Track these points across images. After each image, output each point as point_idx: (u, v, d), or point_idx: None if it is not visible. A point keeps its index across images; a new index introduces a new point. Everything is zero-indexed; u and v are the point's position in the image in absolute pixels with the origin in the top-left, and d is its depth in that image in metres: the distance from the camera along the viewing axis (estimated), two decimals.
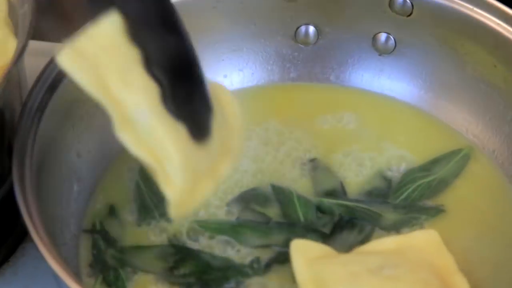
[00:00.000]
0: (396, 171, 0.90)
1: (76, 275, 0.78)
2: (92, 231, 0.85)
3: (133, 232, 0.85)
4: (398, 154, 0.91)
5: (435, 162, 0.90)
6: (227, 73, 1.00)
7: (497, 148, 0.91)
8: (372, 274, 0.75)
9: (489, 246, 0.83)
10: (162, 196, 0.85)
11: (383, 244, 0.81)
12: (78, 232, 0.84)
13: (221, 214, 0.86)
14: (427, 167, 0.90)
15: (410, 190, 0.87)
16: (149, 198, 0.87)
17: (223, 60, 0.99)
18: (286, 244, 0.80)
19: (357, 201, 0.86)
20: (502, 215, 0.86)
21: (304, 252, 0.78)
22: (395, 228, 0.84)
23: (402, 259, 0.78)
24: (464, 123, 0.94)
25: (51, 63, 0.84)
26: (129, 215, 0.86)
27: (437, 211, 0.86)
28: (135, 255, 0.82)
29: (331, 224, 0.84)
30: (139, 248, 0.82)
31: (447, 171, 0.89)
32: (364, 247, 0.81)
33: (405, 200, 0.87)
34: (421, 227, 0.84)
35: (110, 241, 0.83)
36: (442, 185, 0.88)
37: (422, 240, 0.81)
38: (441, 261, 0.79)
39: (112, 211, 0.86)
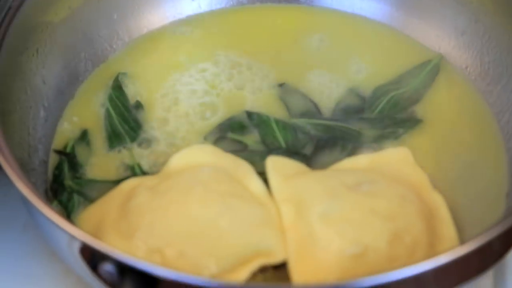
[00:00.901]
0: (368, 87, 0.89)
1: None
2: (61, 152, 0.84)
3: (100, 160, 0.83)
4: (370, 72, 0.90)
5: (405, 75, 0.89)
6: None
7: (470, 64, 0.91)
8: (350, 189, 0.74)
9: (462, 161, 0.83)
10: (133, 122, 0.85)
11: (357, 162, 0.80)
12: (47, 158, 0.83)
13: None
14: (397, 80, 0.89)
15: (384, 102, 0.86)
16: (119, 125, 0.85)
17: None
18: None
19: (333, 119, 0.85)
20: (476, 130, 0.86)
21: (280, 169, 0.77)
22: (377, 143, 0.83)
23: (378, 175, 0.77)
24: (436, 40, 0.93)
25: None
26: (99, 141, 0.85)
27: (415, 122, 0.85)
28: (90, 187, 0.80)
29: (312, 145, 0.83)
30: (96, 182, 0.81)
31: (418, 82, 0.89)
32: (337, 165, 0.80)
33: (380, 112, 0.86)
34: (401, 140, 0.84)
35: (74, 165, 0.82)
36: (414, 96, 0.88)
37: (395, 158, 0.81)
38: (415, 178, 0.79)
39: (84, 135, 0.85)
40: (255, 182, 0.77)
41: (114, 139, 0.85)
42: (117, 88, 0.89)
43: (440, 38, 0.93)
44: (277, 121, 0.85)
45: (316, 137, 0.84)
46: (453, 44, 0.92)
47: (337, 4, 0.98)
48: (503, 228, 0.65)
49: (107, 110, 0.87)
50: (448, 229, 0.75)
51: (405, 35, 0.95)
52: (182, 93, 0.89)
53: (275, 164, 0.78)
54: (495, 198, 0.79)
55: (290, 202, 0.74)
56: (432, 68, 0.90)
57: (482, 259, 0.67)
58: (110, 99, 0.88)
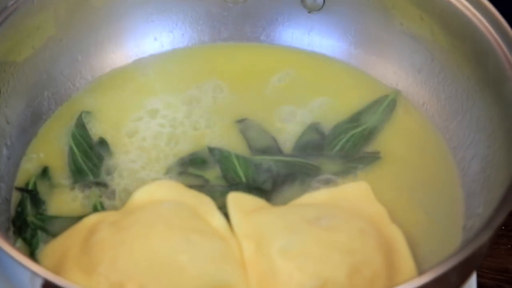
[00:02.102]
0: (327, 124, 0.90)
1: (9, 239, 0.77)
2: (22, 189, 0.84)
3: (62, 196, 0.84)
4: (329, 109, 0.92)
5: (363, 112, 0.91)
6: (157, 35, 0.99)
7: (427, 101, 0.93)
8: (310, 224, 0.75)
9: (420, 195, 0.84)
10: (96, 159, 0.85)
11: (316, 197, 0.82)
12: (10, 196, 0.83)
13: None
14: (356, 118, 0.90)
15: (343, 140, 0.88)
16: (83, 162, 0.86)
17: (152, 21, 0.98)
18: None
19: (293, 156, 0.87)
20: (433, 165, 0.88)
21: (241, 204, 0.78)
22: (336, 178, 0.85)
23: (337, 210, 0.78)
24: (394, 77, 0.95)
25: None
26: (62, 178, 0.85)
27: (373, 159, 0.87)
28: (53, 223, 0.81)
29: (271, 180, 0.84)
30: (59, 218, 0.82)
31: (376, 118, 0.90)
32: (297, 200, 0.81)
33: (340, 151, 0.87)
34: (360, 175, 0.85)
35: (37, 202, 0.83)
36: (373, 133, 0.89)
37: (354, 192, 0.82)
38: (374, 212, 0.80)
39: (45, 172, 0.85)
40: (217, 217, 0.78)
41: (78, 175, 0.85)
42: (80, 126, 0.90)
43: (397, 75, 0.95)
44: (238, 157, 0.86)
45: (276, 173, 0.85)
46: (411, 81, 0.94)
47: (297, 43, 0.99)
48: (459, 259, 0.66)
49: (70, 148, 0.87)
50: (406, 262, 0.76)
51: (364, 72, 0.96)
52: (145, 129, 0.90)
53: (236, 200, 0.79)
54: (452, 231, 0.81)
55: (250, 237, 0.75)
56: (389, 104, 0.92)
57: None
58: (73, 137, 0.88)
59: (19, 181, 0.85)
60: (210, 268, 0.72)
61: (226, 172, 0.85)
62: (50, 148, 0.88)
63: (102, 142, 0.88)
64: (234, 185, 0.84)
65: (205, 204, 0.79)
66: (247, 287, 0.73)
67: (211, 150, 0.87)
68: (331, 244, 0.73)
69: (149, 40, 0.99)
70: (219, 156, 0.87)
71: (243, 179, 0.84)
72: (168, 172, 0.85)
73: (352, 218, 0.77)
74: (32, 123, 0.89)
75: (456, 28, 0.87)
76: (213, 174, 0.85)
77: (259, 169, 0.85)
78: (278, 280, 0.72)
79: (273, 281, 0.72)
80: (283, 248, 0.73)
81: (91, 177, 0.85)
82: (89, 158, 0.86)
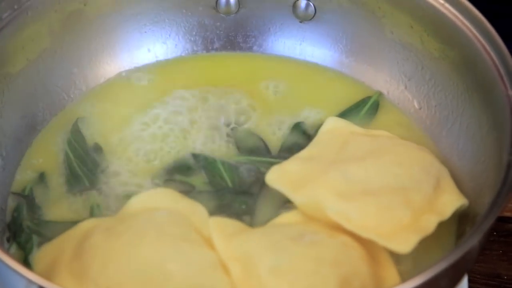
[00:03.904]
0: (315, 129, 0.91)
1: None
2: (19, 194, 0.85)
3: (58, 202, 0.85)
4: (319, 117, 0.93)
5: (347, 113, 0.93)
6: (150, 47, 1.00)
7: (419, 109, 0.94)
8: (293, 242, 0.75)
9: None
10: (91, 165, 0.86)
11: (295, 215, 0.81)
12: (5, 205, 0.84)
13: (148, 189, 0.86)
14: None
15: None
16: (78, 167, 0.87)
17: (145, 32, 0.99)
18: (219, 211, 0.82)
19: (280, 157, 0.88)
20: None
21: (223, 228, 0.78)
22: None
23: (319, 226, 0.78)
24: (385, 85, 0.96)
25: None
26: (58, 184, 0.86)
27: None
28: (49, 228, 0.82)
29: (259, 184, 0.85)
30: (55, 223, 0.82)
31: (360, 120, 0.92)
32: (276, 220, 0.81)
33: None
34: None
35: (33, 207, 0.84)
36: None
37: None
38: None
39: (42, 178, 0.87)
40: (209, 227, 0.78)
41: (73, 181, 0.86)
42: (76, 132, 0.91)
43: (388, 82, 0.96)
44: (223, 163, 0.87)
45: (262, 175, 0.85)
46: (401, 89, 0.95)
47: (289, 52, 1.00)
48: (449, 263, 0.66)
49: (66, 154, 0.89)
50: (391, 273, 0.76)
51: (355, 80, 0.98)
52: (138, 137, 0.91)
53: (218, 224, 0.79)
54: (443, 240, 0.81)
55: (237, 260, 0.75)
56: (372, 105, 0.94)
57: None
58: (69, 143, 0.89)
59: (15, 189, 0.86)
60: (198, 278, 0.72)
61: (212, 178, 0.86)
62: (45, 157, 0.89)
63: (97, 148, 0.89)
64: (221, 189, 0.85)
65: (198, 213, 0.80)
66: None
67: (195, 156, 0.88)
68: (318, 259, 0.73)
69: (143, 51, 1.00)
70: (204, 162, 0.87)
71: (230, 183, 0.85)
72: (153, 178, 0.86)
73: (334, 232, 0.77)
74: (27, 133, 0.90)
75: (445, 36, 0.88)
76: (199, 180, 0.86)
77: (245, 173, 0.86)
78: None
79: None
80: (271, 267, 0.73)
81: (86, 182, 0.86)
82: (85, 164, 0.87)
